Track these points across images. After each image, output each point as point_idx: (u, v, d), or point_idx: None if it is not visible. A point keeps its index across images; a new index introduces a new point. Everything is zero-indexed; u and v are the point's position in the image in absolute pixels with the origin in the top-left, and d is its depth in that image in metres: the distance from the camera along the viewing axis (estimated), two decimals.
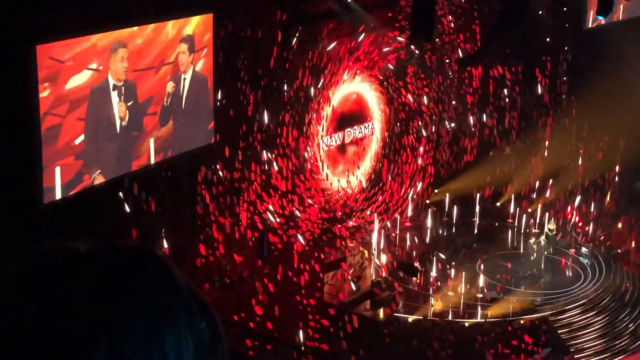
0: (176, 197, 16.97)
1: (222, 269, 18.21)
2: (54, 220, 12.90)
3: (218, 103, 16.72)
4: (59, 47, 12.69)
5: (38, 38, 12.27)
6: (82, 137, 13.44)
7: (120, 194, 15.10)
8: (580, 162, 25.42)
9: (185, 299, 1.28)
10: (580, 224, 24.74)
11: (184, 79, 15.25)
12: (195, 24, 15.27)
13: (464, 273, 21.41)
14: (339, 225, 21.96)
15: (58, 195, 13.14)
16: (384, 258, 22.08)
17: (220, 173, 17.96)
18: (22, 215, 12.69)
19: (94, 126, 13.63)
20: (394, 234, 23.42)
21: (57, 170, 13.05)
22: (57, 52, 12.65)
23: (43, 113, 12.57)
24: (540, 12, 24.34)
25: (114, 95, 13.91)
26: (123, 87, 14.01)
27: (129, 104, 14.24)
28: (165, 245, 16.24)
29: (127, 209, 15.29)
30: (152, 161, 15.05)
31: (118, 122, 14.12)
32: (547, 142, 25.65)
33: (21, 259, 1.26)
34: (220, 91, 16.87)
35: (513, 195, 24.97)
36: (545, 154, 25.59)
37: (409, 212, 24.08)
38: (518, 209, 24.72)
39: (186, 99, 15.43)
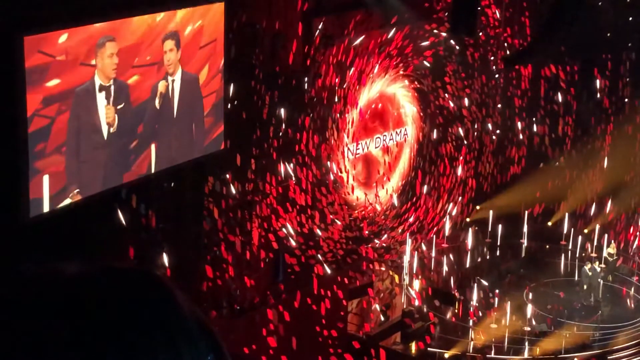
0: (180, 211, 17.02)
1: (231, 294, 18.23)
2: (40, 236, 12.96)
3: (229, 104, 16.77)
4: (49, 39, 12.78)
5: (26, 28, 12.37)
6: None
7: (117, 207, 15.16)
8: None
9: (189, 329, 1.27)
10: None
11: (173, 80, 15.18)
12: (184, 16, 15.10)
13: (509, 302, 21.31)
14: (366, 246, 21.93)
15: (46, 208, 13.21)
16: (417, 284, 22.02)
17: (231, 184, 18.00)
18: (4, 230, 12.76)
19: (77, 135, 13.48)
20: (428, 257, 23.36)
21: (45, 179, 13.11)
22: (48, 45, 12.74)
23: (30, 114, 12.66)
24: (600, 3, 24.26)
25: (101, 97, 13.76)
26: (112, 88, 13.89)
27: (119, 106, 14.12)
28: (167, 266, 16.28)
29: (124, 224, 15.35)
30: (153, 170, 15.11)
31: (105, 128, 14.00)
32: (606, 153, 25.50)
33: (0, 282, 1.25)
34: (231, 91, 16.93)
35: (567, 214, 24.84)
36: (605, 166, 25.44)
37: (447, 232, 24.02)
38: (572, 229, 24.59)
39: (179, 102, 15.36)
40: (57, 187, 13.37)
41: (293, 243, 19.43)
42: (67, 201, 13.50)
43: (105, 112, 13.90)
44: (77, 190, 13.62)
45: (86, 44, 13.39)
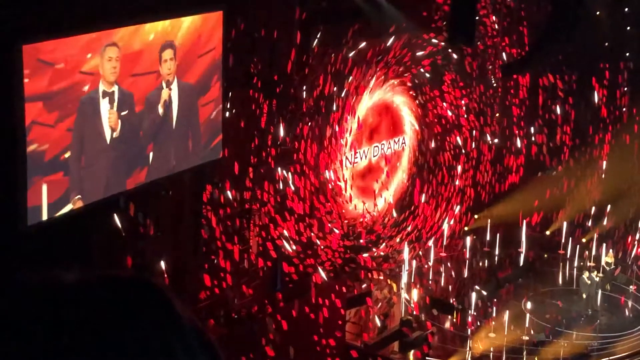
0: (178, 220, 17.00)
1: (229, 302, 18.20)
2: (38, 244, 12.94)
3: (227, 113, 16.77)
4: (48, 48, 12.79)
5: (25, 37, 12.38)
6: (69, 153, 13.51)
7: (115, 215, 15.15)
8: None
9: (187, 338, 1.27)
10: None
11: (170, 90, 15.19)
12: (182, 25, 15.11)
13: (507, 312, 21.27)
14: (364, 255, 21.91)
15: (44, 216, 13.20)
16: (415, 293, 21.99)
17: (229, 193, 17.99)
18: (2, 238, 12.75)
19: (81, 141, 13.56)
20: (426, 266, 23.33)
21: (44, 187, 13.11)
22: (46, 53, 12.75)
23: (29, 122, 12.66)
24: (597, 13, 24.29)
25: (104, 102, 13.87)
26: (116, 94, 14.00)
27: (123, 113, 14.21)
28: (165, 274, 16.26)
29: (122, 232, 15.33)
30: (151, 178, 15.10)
31: (108, 132, 14.10)
32: (604, 162, 25.50)
33: None
34: (229, 99, 16.93)
35: (565, 223, 24.82)
36: (603, 175, 25.43)
37: (445, 241, 23.99)
38: (570, 238, 24.56)
39: (177, 112, 15.37)
40: (57, 194, 13.36)
41: (291, 252, 19.41)
42: (69, 207, 13.51)
43: (108, 116, 13.95)
44: (79, 196, 13.65)
45: (85, 52, 13.41)
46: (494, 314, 21.53)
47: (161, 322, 1.25)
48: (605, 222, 24.81)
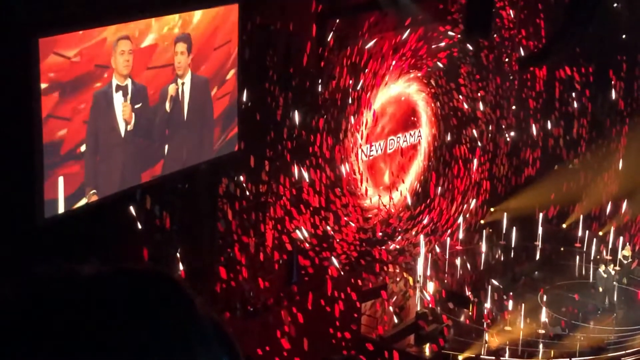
0: (194, 213, 17.04)
1: (245, 295, 18.24)
2: (55, 237, 13.00)
3: (243, 106, 16.79)
4: (64, 41, 12.83)
5: (41, 30, 12.42)
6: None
7: (131, 208, 15.20)
8: None
9: (204, 330, 1.26)
10: None
11: (183, 83, 15.18)
12: (198, 18, 15.13)
13: (523, 305, 21.24)
14: (380, 248, 21.90)
15: (61, 209, 13.26)
16: (430, 286, 21.98)
17: (245, 186, 18.01)
18: (19, 230, 12.81)
19: (95, 135, 13.63)
20: (442, 259, 23.31)
21: (60, 180, 13.16)
22: (63, 46, 12.79)
23: (45, 115, 12.71)
24: (615, 5, 24.16)
25: (118, 96, 13.90)
26: (129, 88, 14.02)
27: (136, 106, 14.24)
28: (181, 267, 16.31)
29: (139, 225, 15.38)
30: (166, 172, 15.14)
31: (122, 125, 14.14)
32: (621, 155, 25.40)
33: (14, 283, 1.24)
34: (245, 92, 16.95)
35: (582, 216, 24.74)
36: (620, 168, 25.34)
37: (461, 234, 23.96)
38: (587, 232, 24.49)
39: (189, 105, 15.37)
40: (73, 187, 13.41)
41: (307, 245, 19.43)
42: (84, 201, 13.57)
43: (122, 110, 13.98)
44: (94, 191, 13.70)
45: (101, 46, 13.45)
46: (510, 307, 21.49)
47: (178, 315, 1.25)
48: (622, 215, 24.72)
